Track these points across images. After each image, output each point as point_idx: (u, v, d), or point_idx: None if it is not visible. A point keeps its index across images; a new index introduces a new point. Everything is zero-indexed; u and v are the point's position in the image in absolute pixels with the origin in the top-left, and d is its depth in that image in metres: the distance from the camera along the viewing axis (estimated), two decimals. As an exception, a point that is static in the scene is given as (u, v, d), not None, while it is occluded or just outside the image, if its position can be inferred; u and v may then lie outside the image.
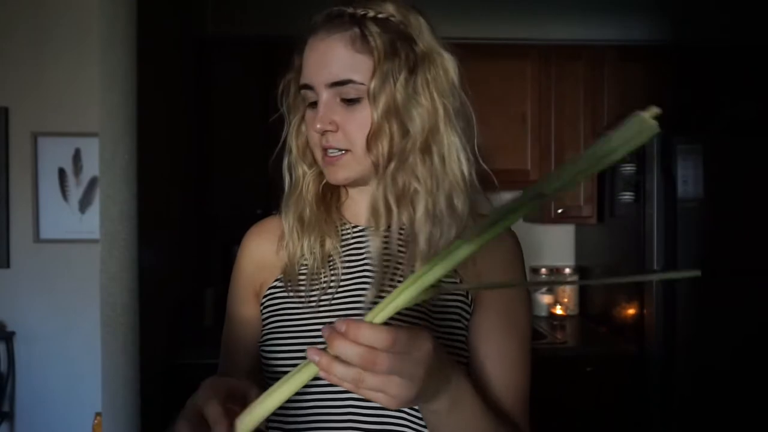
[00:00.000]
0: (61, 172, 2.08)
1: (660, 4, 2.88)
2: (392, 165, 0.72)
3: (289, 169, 0.81)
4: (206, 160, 2.57)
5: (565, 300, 2.88)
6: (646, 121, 0.40)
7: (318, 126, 0.72)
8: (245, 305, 0.83)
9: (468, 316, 0.75)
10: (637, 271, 2.34)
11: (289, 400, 0.72)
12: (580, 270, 2.93)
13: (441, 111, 0.73)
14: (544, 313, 2.82)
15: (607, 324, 2.62)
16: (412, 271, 0.72)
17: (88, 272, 1.97)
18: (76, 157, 2.08)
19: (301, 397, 0.72)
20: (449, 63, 0.75)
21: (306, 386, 0.71)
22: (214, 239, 2.71)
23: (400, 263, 0.75)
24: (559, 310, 2.84)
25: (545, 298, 2.84)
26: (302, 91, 0.75)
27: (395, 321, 0.71)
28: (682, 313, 2.23)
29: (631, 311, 2.41)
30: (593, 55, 2.68)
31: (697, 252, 2.24)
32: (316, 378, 0.71)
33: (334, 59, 0.71)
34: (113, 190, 1.64)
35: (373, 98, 0.70)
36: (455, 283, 0.76)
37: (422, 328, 0.55)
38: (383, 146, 0.71)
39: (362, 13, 0.72)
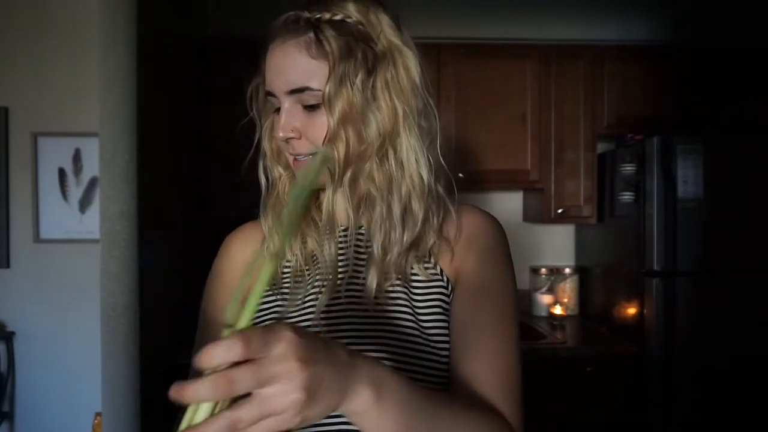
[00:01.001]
0: (61, 172, 2.08)
1: (660, 4, 2.88)
2: (349, 171, 0.72)
3: (265, 173, 0.80)
4: (206, 160, 2.57)
5: (565, 300, 2.88)
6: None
7: (280, 134, 0.72)
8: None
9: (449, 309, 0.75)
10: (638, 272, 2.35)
11: None
12: (580, 270, 2.93)
13: (401, 113, 0.72)
14: (544, 313, 2.82)
15: (607, 324, 2.62)
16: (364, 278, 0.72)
17: (88, 272, 1.96)
18: (76, 157, 2.08)
19: None
20: (411, 61, 0.73)
21: None
22: (214, 239, 2.71)
23: (358, 266, 0.75)
24: (558, 310, 2.84)
25: (545, 298, 2.84)
26: (268, 97, 0.75)
27: (383, 324, 0.71)
28: (682, 313, 2.23)
29: (631, 311, 2.41)
30: (593, 55, 2.68)
31: (697, 252, 2.24)
32: None
33: (290, 66, 0.70)
34: (113, 190, 1.64)
35: (328, 103, 0.69)
36: (438, 276, 0.75)
37: (274, 322, 0.45)
38: (339, 152, 0.71)
39: (317, 16, 0.70)
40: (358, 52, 0.70)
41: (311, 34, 0.70)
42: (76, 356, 2.05)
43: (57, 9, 2.05)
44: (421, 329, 0.72)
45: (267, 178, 0.80)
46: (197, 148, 2.58)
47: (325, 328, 0.72)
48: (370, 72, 0.71)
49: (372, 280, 0.72)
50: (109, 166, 1.63)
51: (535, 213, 2.82)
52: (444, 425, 0.57)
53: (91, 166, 2.05)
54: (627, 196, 2.41)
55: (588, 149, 2.68)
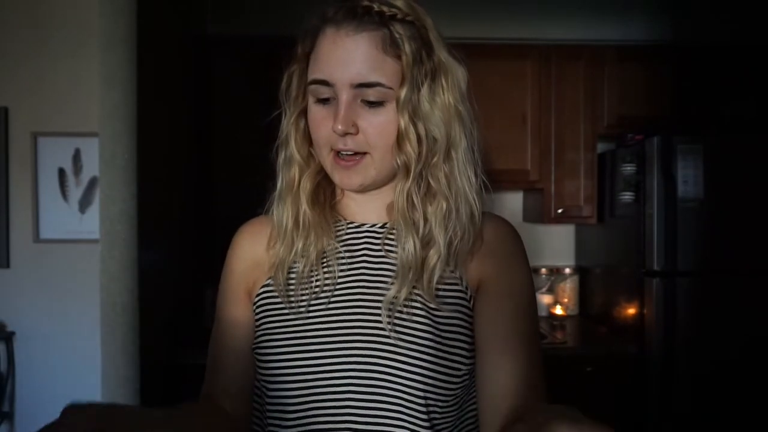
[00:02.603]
0: (61, 172, 2.08)
1: (660, 4, 2.88)
2: (417, 168, 0.72)
3: (285, 166, 0.77)
4: (206, 160, 2.57)
5: (565, 300, 2.88)
6: None
7: (340, 127, 0.69)
8: (235, 306, 0.80)
9: (470, 320, 0.75)
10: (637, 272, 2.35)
11: (286, 402, 0.71)
12: (580, 270, 2.93)
13: (457, 117, 0.74)
14: (544, 313, 2.81)
15: (607, 324, 2.62)
16: (430, 276, 0.72)
17: (88, 272, 1.96)
18: (76, 157, 2.08)
19: (298, 398, 0.71)
20: (459, 71, 0.74)
21: (303, 387, 0.71)
22: (214, 239, 2.72)
23: (387, 263, 0.76)
24: (559, 310, 2.84)
25: (545, 298, 2.84)
26: (312, 86, 0.72)
27: (407, 329, 0.71)
28: (682, 313, 2.23)
29: (631, 311, 2.41)
30: (593, 55, 2.68)
31: (697, 252, 2.24)
32: (311, 378, 0.71)
33: (361, 59, 0.69)
34: (113, 190, 1.64)
35: (402, 105, 0.69)
36: (458, 280, 0.75)
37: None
38: (413, 149, 0.71)
39: (389, 13, 0.70)
40: (426, 58, 0.71)
41: (385, 30, 0.69)
42: (76, 356, 2.05)
43: (57, 9, 2.05)
44: (438, 332, 0.71)
45: (286, 173, 0.78)
46: (197, 148, 2.58)
47: (345, 326, 0.72)
48: (434, 78, 0.72)
49: (432, 279, 0.72)
50: (109, 166, 1.64)
51: (535, 213, 2.82)
52: None
53: (91, 166, 2.05)
54: (627, 196, 2.41)
55: (588, 149, 2.68)
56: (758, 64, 2.70)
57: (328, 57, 0.70)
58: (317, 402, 0.71)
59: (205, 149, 2.57)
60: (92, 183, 2.07)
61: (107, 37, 1.64)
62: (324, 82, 0.70)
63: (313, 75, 0.71)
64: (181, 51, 2.49)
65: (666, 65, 2.69)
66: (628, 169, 2.41)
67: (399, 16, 0.70)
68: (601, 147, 2.74)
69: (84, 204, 2.09)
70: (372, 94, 0.69)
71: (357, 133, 0.70)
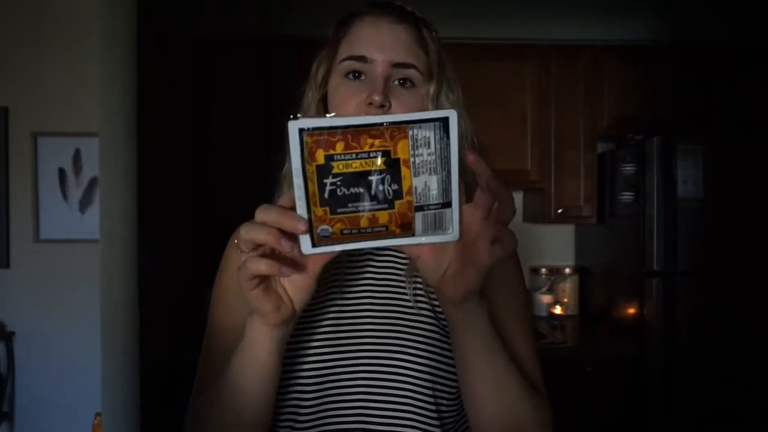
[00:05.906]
0: (61, 172, 2.08)
1: (660, 4, 2.88)
2: None
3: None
4: (206, 160, 2.57)
5: (565, 300, 2.88)
6: None
7: (377, 98, 0.70)
8: (236, 312, 0.77)
9: None
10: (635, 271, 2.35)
11: (300, 405, 0.71)
12: (580, 270, 2.93)
13: (468, 122, 0.79)
14: (544, 313, 2.82)
15: (607, 324, 2.62)
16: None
17: (88, 272, 1.96)
18: (76, 157, 2.08)
19: (311, 399, 0.72)
20: (460, 89, 0.80)
21: (318, 392, 0.71)
22: (214, 239, 2.71)
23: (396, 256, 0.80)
24: (558, 310, 2.84)
25: (545, 298, 2.84)
26: (346, 62, 0.73)
27: (413, 322, 0.73)
28: (682, 313, 2.23)
29: (631, 311, 2.41)
30: (593, 55, 2.68)
31: (697, 252, 2.24)
32: (328, 385, 0.71)
33: (401, 42, 0.73)
34: (113, 190, 1.64)
35: (431, 97, 0.74)
36: None
37: None
38: None
39: (420, 16, 0.77)
40: (443, 64, 0.77)
41: (417, 29, 0.75)
42: (76, 356, 2.05)
43: (57, 9, 2.05)
44: (441, 325, 0.73)
45: None
46: (197, 148, 2.58)
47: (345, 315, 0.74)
48: (449, 86, 0.78)
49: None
50: (109, 166, 1.64)
51: (535, 213, 2.82)
52: (500, 363, 0.66)
53: (91, 166, 2.05)
54: (627, 196, 2.41)
55: (588, 149, 2.68)
56: (758, 64, 2.70)
57: (369, 37, 0.73)
58: (330, 401, 0.71)
59: (205, 149, 2.57)
60: (92, 183, 2.07)
61: (107, 37, 1.64)
62: (362, 58, 0.72)
63: (350, 52, 0.73)
64: (181, 51, 2.49)
65: (666, 65, 2.69)
66: (628, 169, 2.41)
67: (427, 23, 0.77)
68: (601, 147, 2.74)
69: (84, 204, 2.09)
70: (407, 75, 0.73)
71: (390, 108, 0.72)
